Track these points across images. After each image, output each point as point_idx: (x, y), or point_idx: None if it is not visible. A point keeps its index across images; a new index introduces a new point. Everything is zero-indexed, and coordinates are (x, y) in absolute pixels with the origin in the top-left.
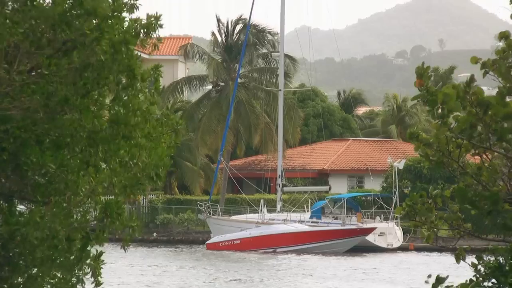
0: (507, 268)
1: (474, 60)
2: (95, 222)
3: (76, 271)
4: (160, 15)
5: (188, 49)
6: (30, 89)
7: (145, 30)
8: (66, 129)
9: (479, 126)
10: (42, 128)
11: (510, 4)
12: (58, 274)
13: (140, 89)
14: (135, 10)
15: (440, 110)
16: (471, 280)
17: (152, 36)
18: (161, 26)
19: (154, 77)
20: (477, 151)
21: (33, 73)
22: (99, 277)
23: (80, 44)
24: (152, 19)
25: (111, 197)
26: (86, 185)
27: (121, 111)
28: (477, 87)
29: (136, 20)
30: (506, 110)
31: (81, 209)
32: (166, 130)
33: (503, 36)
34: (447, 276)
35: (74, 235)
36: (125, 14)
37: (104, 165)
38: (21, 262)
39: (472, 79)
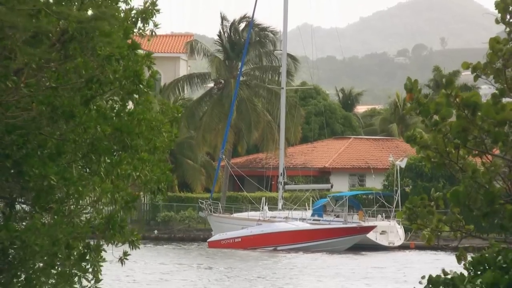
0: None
1: (466, 66)
2: (96, 232)
3: (75, 281)
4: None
5: (193, 44)
6: (37, 100)
7: (143, 16)
8: (69, 134)
9: (473, 129)
10: (46, 131)
11: (495, 9)
12: (56, 283)
13: (145, 93)
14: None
15: (433, 119)
16: (461, 274)
17: (150, 23)
18: (158, 11)
19: (147, 66)
20: (476, 152)
21: (40, 84)
22: (99, 274)
23: (91, 61)
24: (149, 4)
25: (112, 209)
26: (90, 193)
27: (125, 118)
28: (473, 92)
29: (131, 9)
30: (501, 115)
31: (83, 218)
32: (166, 119)
33: (494, 42)
34: (438, 276)
35: (74, 244)
36: (121, 4)
37: (106, 177)
38: (20, 267)
39: (450, 81)
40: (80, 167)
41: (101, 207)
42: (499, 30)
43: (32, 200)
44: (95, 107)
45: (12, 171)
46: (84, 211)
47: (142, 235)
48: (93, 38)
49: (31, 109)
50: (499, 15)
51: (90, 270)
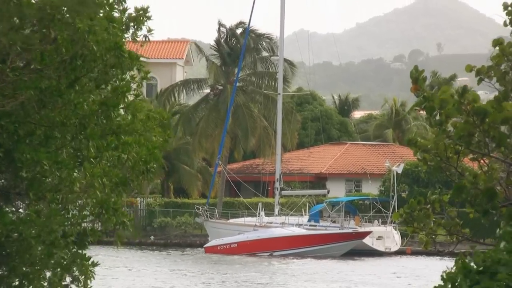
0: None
1: (469, 68)
2: (91, 217)
3: (74, 270)
4: (148, 7)
5: (196, 45)
6: (24, 84)
7: (134, 23)
8: (57, 116)
9: (477, 133)
10: (34, 118)
11: (503, 11)
12: (55, 271)
13: (128, 66)
14: (123, 3)
15: (438, 116)
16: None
17: (142, 28)
18: (149, 18)
19: (137, 68)
20: (475, 156)
21: (26, 68)
22: (90, 280)
23: (72, 39)
24: (140, 11)
25: (105, 195)
26: (82, 180)
27: (109, 94)
28: (473, 93)
29: (124, 10)
30: (503, 114)
31: (77, 205)
32: (154, 124)
33: (497, 43)
34: None
35: (70, 231)
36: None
37: (96, 162)
38: (18, 260)
39: (465, 88)
40: (70, 152)
41: (93, 191)
42: (495, 35)
43: (25, 188)
44: (80, 88)
45: (4, 161)
46: (77, 198)
47: (138, 240)
48: (72, 14)
49: (19, 95)
50: (507, 17)
51: (83, 277)
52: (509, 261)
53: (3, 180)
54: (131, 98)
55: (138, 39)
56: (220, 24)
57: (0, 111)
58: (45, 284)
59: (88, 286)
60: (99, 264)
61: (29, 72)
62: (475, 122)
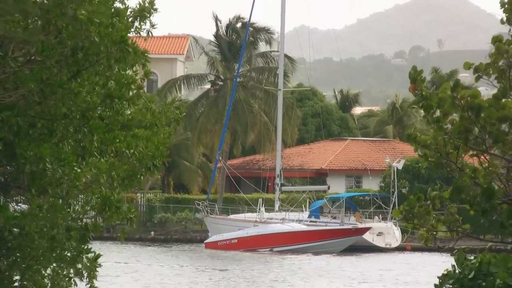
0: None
1: (468, 66)
2: (93, 213)
3: (76, 263)
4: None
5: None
6: (25, 76)
7: (140, 14)
8: (59, 109)
9: (475, 129)
10: (36, 111)
11: (501, 9)
12: (56, 267)
13: (132, 61)
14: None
15: (436, 114)
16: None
17: (147, 21)
18: (156, 10)
19: (142, 63)
20: (475, 152)
21: (27, 59)
22: (94, 280)
23: (73, 29)
24: (147, 3)
25: (108, 191)
26: (87, 175)
27: (114, 86)
28: (473, 90)
29: (126, 8)
30: (501, 112)
31: (80, 200)
32: (167, 120)
33: (496, 40)
34: None
35: (73, 225)
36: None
37: (100, 156)
38: (19, 255)
39: (457, 83)
40: (72, 144)
41: (99, 187)
42: (496, 31)
43: (26, 183)
44: (82, 81)
45: (5, 154)
46: (80, 193)
47: (138, 236)
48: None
49: (20, 87)
50: (504, 15)
51: (86, 274)
52: (499, 261)
53: (3, 174)
54: (134, 92)
55: (141, 33)
56: (217, 19)
57: (2, 104)
58: (46, 278)
59: (97, 279)
60: (102, 255)
61: (30, 63)
62: (471, 117)
